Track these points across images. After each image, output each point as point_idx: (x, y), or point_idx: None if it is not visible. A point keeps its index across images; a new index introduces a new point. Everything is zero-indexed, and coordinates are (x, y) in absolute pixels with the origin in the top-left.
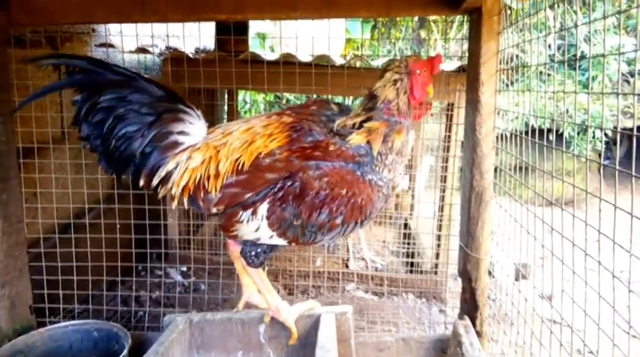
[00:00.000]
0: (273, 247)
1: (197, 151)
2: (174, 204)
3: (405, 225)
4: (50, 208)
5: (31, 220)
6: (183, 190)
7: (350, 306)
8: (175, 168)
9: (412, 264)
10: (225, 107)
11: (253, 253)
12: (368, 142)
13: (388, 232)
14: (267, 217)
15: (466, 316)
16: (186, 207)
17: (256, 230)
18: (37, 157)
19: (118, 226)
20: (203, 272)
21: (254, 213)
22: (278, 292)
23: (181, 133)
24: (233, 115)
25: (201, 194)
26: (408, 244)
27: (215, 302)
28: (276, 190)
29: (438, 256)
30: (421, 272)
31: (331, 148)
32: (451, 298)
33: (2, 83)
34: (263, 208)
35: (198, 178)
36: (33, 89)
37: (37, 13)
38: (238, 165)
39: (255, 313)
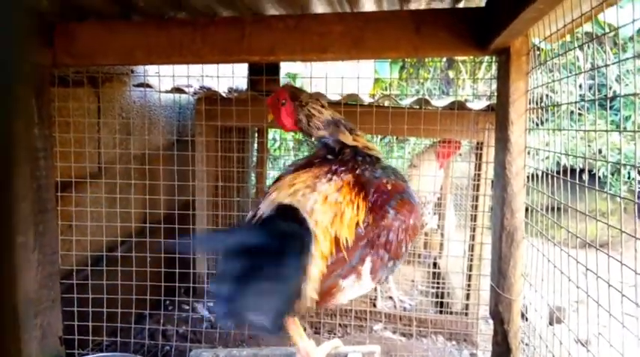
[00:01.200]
0: None
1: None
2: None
3: (435, 264)
4: (84, 241)
5: (65, 252)
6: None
7: (378, 346)
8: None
9: (442, 304)
10: (255, 145)
11: None
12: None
13: (417, 271)
14: (370, 273)
15: None
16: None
17: (358, 289)
18: (75, 191)
19: (148, 259)
20: None
21: (358, 276)
22: (305, 330)
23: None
24: (263, 152)
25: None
26: (438, 283)
27: (241, 338)
28: (371, 247)
29: (468, 296)
30: (451, 313)
31: (389, 186)
32: (482, 341)
33: (45, 120)
34: (366, 268)
35: (320, 273)
36: (74, 126)
37: (79, 55)
38: (342, 243)
39: (281, 350)
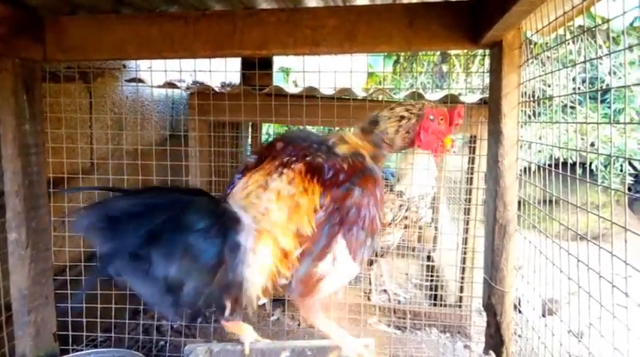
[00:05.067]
0: None
1: (258, 243)
2: (251, 310)
3: (429, 257)
4: (77, 237)
5: (58, 249)
6: (263, 292)
7: (372, 339)
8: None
9: (436, 297)
10: (249, 139)
11: None
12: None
13: (411, 264)
14: (350, 253)
15: (492, 352)
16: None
17: (344, 272)
18: (67, 187)
19: None
20: None
21: (334, 258)
22: (299, 325)
23: (240, 234)
24: (256, 146)
25: (277, 281)
26: (432, 276)
27: None
28: (340, 225)
29: (462, 289)
30: (445, 306)
31: (345, 166)
32: (476, 333)
33: (37, 116)
34: (341, 248)
35: (272, 270)
36: (65, 122)
37: (71, 50)
38: (305, 233)
39: (276, 343)
